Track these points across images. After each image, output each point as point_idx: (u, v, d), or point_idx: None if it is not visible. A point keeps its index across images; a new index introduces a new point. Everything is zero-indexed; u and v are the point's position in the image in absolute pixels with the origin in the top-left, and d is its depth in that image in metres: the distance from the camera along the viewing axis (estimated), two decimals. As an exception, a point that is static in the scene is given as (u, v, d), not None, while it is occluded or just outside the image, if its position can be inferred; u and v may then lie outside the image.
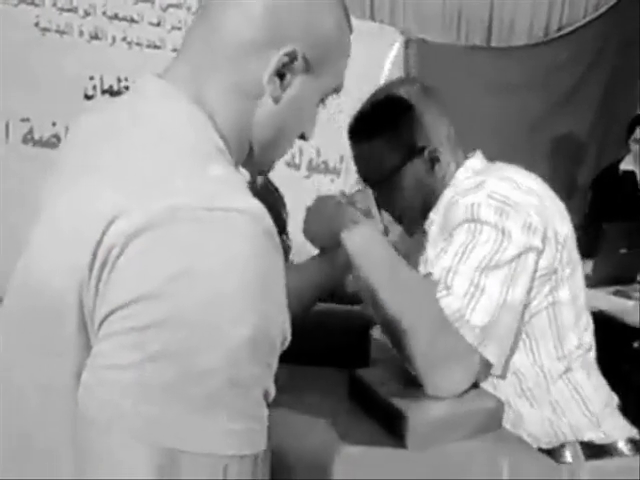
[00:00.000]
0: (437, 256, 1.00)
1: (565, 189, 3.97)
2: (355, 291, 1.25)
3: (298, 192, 1.98)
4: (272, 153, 0.70)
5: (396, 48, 3.52)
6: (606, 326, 2.36)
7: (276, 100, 0.64)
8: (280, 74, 0.63)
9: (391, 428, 0.88)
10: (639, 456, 1.04)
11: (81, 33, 3.04)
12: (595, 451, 1.03)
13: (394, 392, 0.91)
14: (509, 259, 0.95)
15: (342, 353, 1.13)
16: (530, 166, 3.93)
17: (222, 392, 0.48)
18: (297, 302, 0.97)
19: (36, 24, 2.93)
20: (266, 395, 0.52)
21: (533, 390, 1.04)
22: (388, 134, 1.15)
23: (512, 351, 1.02)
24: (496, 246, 0.95)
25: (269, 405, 0.53)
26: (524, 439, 0.98)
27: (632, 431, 1.08)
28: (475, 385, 0.98)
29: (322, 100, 0.70)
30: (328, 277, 1.08)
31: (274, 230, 0.54)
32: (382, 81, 3.53)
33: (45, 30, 2.95)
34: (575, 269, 1.07)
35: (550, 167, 3.90)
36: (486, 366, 0.97)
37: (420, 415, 0.86)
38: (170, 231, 0.49)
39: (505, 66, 3.66)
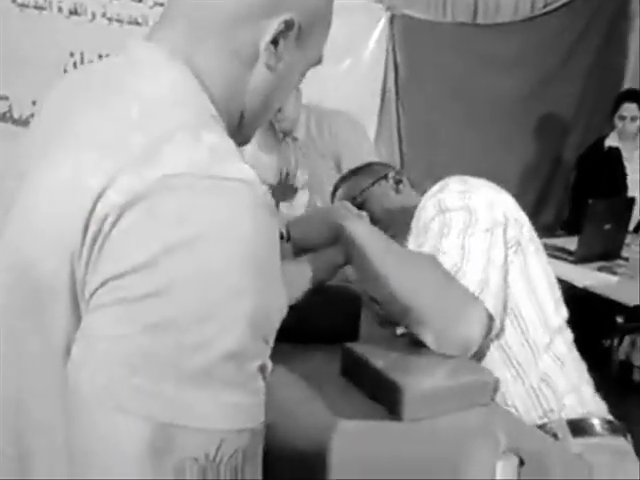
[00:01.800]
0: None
1: (550, 165, 4.00)
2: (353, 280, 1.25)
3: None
4: (259, 122, 0.69)
5: (381, 24, 3.49)
6: (590, 303, 2.39)
7: (270, 68, 0.63)
8: (275, 42, 0.62)
9: (385, 400, 0.88)
10: (617, 437, 1.05)
11: (60, 9, 2.98)
12: (577, 429, 1.04)
13: (388, 364, 0.91)
14: (483, 230, 1.03)
15: (332, 328, 1.12)
16: (516, 141, 3.95)
17: (217, 365, 0.47)
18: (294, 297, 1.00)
19: (13, 0, 2.86)
20: (262, 369, 0.51)
21: (523, 365, 1.05)
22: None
23: (502, 324, 1.03)
24: (467, 222, 1.04)
25: (265, 380, 0.52)
26: (515, 414, 0.99)
27: (604, 411, 1.10)
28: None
29: (304, 72, 0.70)
30: (314, 277, 1.07)
31: (269, 199, 0.53)
32: (367, 58, 3.52)
33: (23, 6, 2.89)
34: (538, 249, 1.12)
35: (536, 143, 3.93)
36: (487, 325, 0.98)
37: (415, 386, 0.86)
38: (165, 201, 0.48)
39: (491, 43, 3.66)
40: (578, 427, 1.03)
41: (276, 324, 0.53)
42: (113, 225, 0.48)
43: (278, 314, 0.53)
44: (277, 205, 1.62)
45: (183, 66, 0.59)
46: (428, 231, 1.07)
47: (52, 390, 0.51)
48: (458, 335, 0.96)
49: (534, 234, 1.13)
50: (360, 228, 1.05)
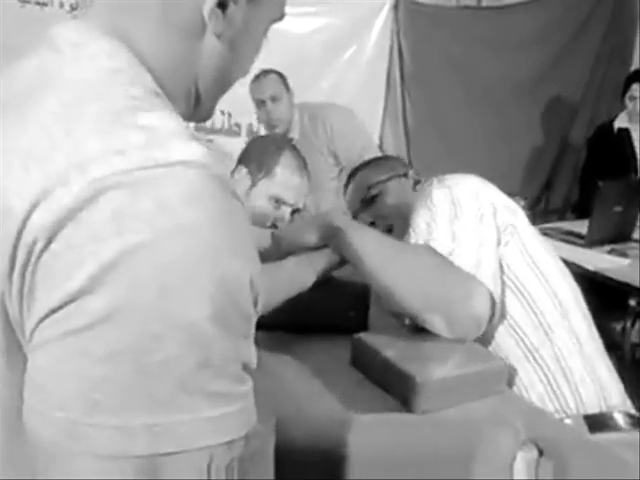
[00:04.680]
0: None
1: (558, 148, 3.96)
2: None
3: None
4: (218, 96, 0.61)
5: (385, 11, 3.46)
6: (602, 286, 2.37)
7: (220, 36, 0.55)
8: (222, 5, 0.54)
9: (397, 392, 0.87)
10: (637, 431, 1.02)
11: (61, 4, 2.97)
12: (596, 423, 1.01)
13: (399, 354, 0.90)
14: (471, 216, 1.03)
15: (341, 320, 1.11)
16: (524, 125, 3.91)
17: (193, 379, 0.41)
18: (273, 301, 0.98)
19: (15, -4, 2.85)
20: (245, 367, 0.46)
21: (535, 345, 1.03)
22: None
23: (507, 305, 1.02)
24: (453, 211, 1.03)
25: (251, 375, 0.47)
26: (531, 402, 0.97)
27: (627, 404, 1.07)
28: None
29: (265, 30, 0.62)
30: (306, 278, 1.06)
31: (226, 177, 0.45)
32: (371, 45, 3.48)
33: (24, 2, 2.88)
34: (536, 235, 1.11)
35: (544, 126, 3.89)
36: (491, 304, 0.97)
37: (428, 377, 0.85)
38: (96, 210, 0.40)
39: (497, 26, 3.62)
40: (597, 422, 1.01)
41: (253, 313, 0.47)
42: (43, 250, 0.41)
43: (253, 300, 0.46)
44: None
45: (114, 40, 0.51)
46: (416, 228, 1.07)
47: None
48: (468, 316, 0.95)
49: (529, 223, 1.12)
50: (353, 226, 1.05)
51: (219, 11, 0.53)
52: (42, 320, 0.41)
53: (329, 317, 1.11)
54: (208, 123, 3.27)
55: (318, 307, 1.08)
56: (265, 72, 2.64)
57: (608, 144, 3.27)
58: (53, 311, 0.41)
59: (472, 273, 0.96)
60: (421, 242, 1.02)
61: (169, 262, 0.41)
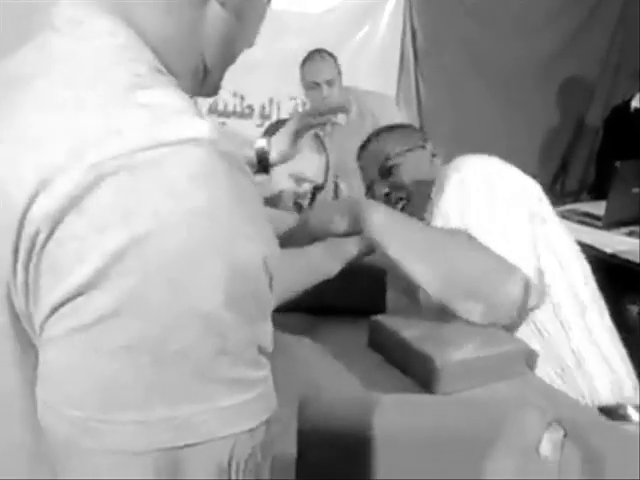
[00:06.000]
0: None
1: (574, 129, 3.91)
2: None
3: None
4: (225, 67, 0.59)
5: (397, -5, 3.41)
6: (619, 269, 2.34)
7: (224, 4, 0.53)
8: None
9: (417, 373, 0.86)
10: None
11: None
12: (610, 414, 1.00)
13: (418, 336, 0.89)
14: (506, 204, 1.01)
15: (359, 303, 1.10)
16: (539, 106, 3.86)
17: (210, 367, 0.40)
18: (297, 287, 0.98)
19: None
20: (262, 351, 0.44)
21: (554, 338, 1.02)
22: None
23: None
24: (489, 197, 1.01)
25: (269, 358, 0.45)
26: (551, 385, 0.96)
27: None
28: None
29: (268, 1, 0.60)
30: (332, 266, 1.02)
31: (235, 154, 0.43)
32: (384, 25, 3.44)
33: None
34: (558, 223, 1.10)
35: (559, 106, 3.84)
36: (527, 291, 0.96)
37: (448, 358, 0.84)
38: (100, 196, 0.38)
39: (510, 5, 3.55)
40: (611, 413, 1.00)
41: (270, 295, 0.45)
42: (46, 240, 0.39)
43: (267, 291, 0.44)
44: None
45: (114, 17, 0.48)
46: (447, 211, 1.04)
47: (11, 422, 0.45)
48: (504, 302, 0.94)
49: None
50: (383, 213, 1.02)
51: None
52: (49, 315, 0.39)
53: (347, 299, 1.10)
54: (221, 105, 3.26)
55: (336, 289, 1.07)
56: (319, 53, 2.52)
57: (625, 124, 3.23)
58: (60, 305, 0.39)
59: (506, 258, 0.94)
60: (455, 220, 1.01)
61: (178, 250, 0.39)
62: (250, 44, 0.60)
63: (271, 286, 0.45)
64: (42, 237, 0.39)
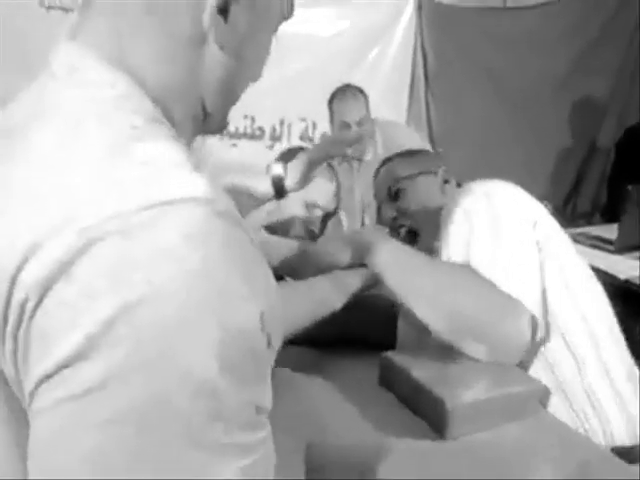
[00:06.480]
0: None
1: (586, 150, 3.89)
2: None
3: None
4: (228, 107, 0.57)
5: (409, 11, 3.42)
6: (632, 295, 2.31)
7: (223, 47, 0.51)
8: (223, 11, 0.49)
9: (426, 414, 0.85)
10: None
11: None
12: (624, 456, 0.97)
13: (429, 376, 0.88)
14: (511, 233, 0.98)
15: (369, 333, 1.10)
16: (549, 127, 3.81)
17: (204, 434, 0.38)
18: (302, 321, 0.96)
19: (40, 2, 2.87)
20: (261, 410, 0.42)
21: (566, 375, 0.99)
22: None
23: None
24: (494, 227, 0.98)
25: (267, 416, 0.44)
26: (565, 423, 0.94)
27: None
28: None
29: (274, 31, 0.58)
30: (337, 299, 1.02)
31: (233, 212, 0.41)
32: (395, 46, 3.45)
33: (50, 8, 2.90)
34: (569, 247, 1.07)
35: (570, 127, 3.82)
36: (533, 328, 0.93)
37: (459, 401, 0.83)
38: (90, 262, 0.37)
39: (522, 26, 3.55)
40: (625, 455, 0.94)
41: (265, 360, 0.43)
42: (35, 309, 0.37)
43: (264, 351, 0.42)
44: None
45: (113, 66, 0.47)
46: (452, 243, 1.02)
47: None
48: (511, 343, 0.91)
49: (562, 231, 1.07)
50: (388, 250, 1.00)
51: (220, 18, 0.49)
52: (39, 385, 0.38)
53: (356, 332, 1.10)
54: (231, 127, 3.27)
55: (345, 322, 1.06)
56: (352, 92, 2.40)
57: (637, 147, 3.21)
58: (49, 376, 0.37)
59: (512, 295, 0.92)
60: (458, 259, 0.98)
61: (171, 316, 0.37)
62: (255, 79, 0.59)
63: (270, 342, 0.43)
64: (31, 305, 0.37)
